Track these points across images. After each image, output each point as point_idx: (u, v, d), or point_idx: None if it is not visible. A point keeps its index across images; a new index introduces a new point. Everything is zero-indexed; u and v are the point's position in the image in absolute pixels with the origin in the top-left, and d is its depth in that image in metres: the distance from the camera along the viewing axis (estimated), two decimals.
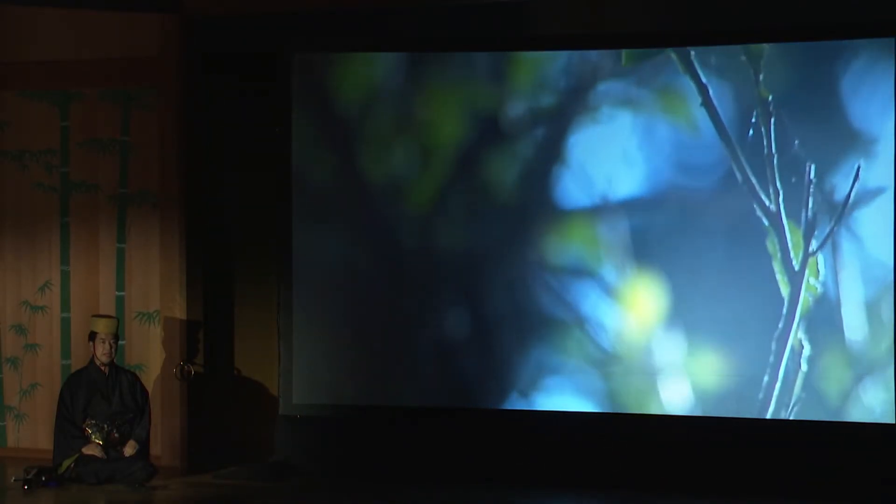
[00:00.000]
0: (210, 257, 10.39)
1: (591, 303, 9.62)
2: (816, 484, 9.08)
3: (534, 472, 9.56)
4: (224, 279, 10.43)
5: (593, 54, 9.59)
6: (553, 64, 9.68)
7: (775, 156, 9.28)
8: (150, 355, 10.36)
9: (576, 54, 9.62)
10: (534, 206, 9.72)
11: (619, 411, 9.54)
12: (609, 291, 9.59)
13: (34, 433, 10.54)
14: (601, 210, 9.59)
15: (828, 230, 9.18)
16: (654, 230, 9.51)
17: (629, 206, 9.54)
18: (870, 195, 9.12)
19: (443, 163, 9.84)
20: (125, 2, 10.11)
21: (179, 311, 10.24)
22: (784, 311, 9.26)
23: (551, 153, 9.68)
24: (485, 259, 9.80)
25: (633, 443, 9.47)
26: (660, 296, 9.49)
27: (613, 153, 9.56)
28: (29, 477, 9.34)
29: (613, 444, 9.51)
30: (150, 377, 10.27)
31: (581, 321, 9.63)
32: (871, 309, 9.10)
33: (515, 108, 9.74)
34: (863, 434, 9.10)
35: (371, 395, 9.99)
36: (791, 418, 9.23)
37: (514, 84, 9.75)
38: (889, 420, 9.06)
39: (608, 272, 9.59)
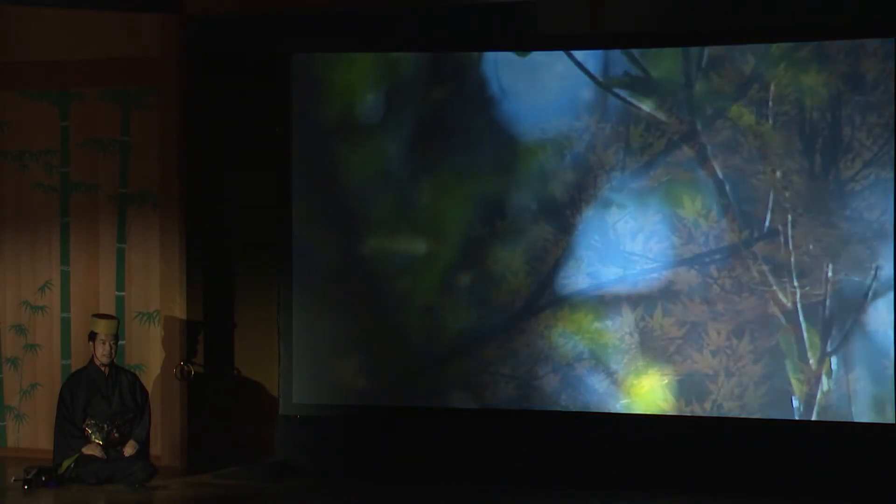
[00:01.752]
0: (210, 257, 10.39)
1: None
2: (816, 484, 9.07)
3: (534, 471, 9.55)
4: (224, 279, 10.42)
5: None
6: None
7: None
8: (150, 355, 10.36)
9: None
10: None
11: (619, 412, 9.55)
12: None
13: (34, 433, 10.54)
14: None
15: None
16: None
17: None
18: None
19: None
20: (125, 2, 10.11)
21: (179, 311, 10.25)
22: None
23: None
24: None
25: (633, 443, 9.46)
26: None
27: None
28: (29, 477, 9.34)
29: (613, 444, 9.50)
30: (150, 377, 10.27)
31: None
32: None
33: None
34: (863, 434, 9.10)
35: (371, 395, 9.99)
36: (791, 419, 9.24)
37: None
38: (889, 420, 9.06)
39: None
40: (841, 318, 9.15)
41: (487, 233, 9.77)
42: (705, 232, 9.40)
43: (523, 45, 9.74)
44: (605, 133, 9.58)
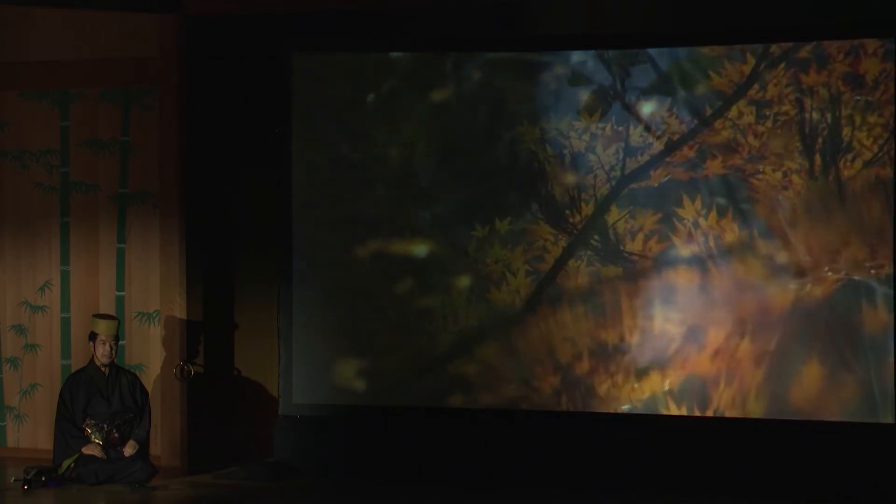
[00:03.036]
0: (210, 257, 10.39)
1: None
2: (817, 484, 9.07)
3: (534, 472, 9.55)
4: (224, 279, 10.42)
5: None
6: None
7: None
8: (150, 355, 10.36)
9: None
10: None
11: (619, 412, 9.55)
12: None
13: (34, 433, 10.54)
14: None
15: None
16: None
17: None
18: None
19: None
20: (125, 2, 10.11)
21: (179, 311, 10.25)
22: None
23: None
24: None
25: (633, 443, 9.46)
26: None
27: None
28: (29, 477, 9.34)
29: (613, 445, 9.50)
30: (150, 377, 10.27)
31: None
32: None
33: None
34: (863, 434, 9.10)
35: (371, 395, 9.99)
36: (792, 419, 9.24)
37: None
38: (889, 420, 9.06)
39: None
40: (840, 317, 9.14)
41: (487, 233, 9.77)
42: (705, 232, 9.40)
43: (523, 46, 9.74)
44: (605, 133, 9.58)
